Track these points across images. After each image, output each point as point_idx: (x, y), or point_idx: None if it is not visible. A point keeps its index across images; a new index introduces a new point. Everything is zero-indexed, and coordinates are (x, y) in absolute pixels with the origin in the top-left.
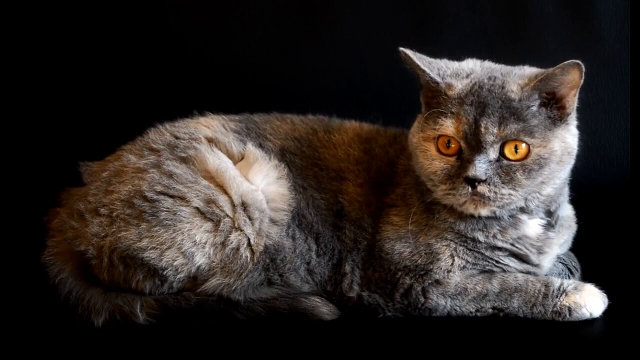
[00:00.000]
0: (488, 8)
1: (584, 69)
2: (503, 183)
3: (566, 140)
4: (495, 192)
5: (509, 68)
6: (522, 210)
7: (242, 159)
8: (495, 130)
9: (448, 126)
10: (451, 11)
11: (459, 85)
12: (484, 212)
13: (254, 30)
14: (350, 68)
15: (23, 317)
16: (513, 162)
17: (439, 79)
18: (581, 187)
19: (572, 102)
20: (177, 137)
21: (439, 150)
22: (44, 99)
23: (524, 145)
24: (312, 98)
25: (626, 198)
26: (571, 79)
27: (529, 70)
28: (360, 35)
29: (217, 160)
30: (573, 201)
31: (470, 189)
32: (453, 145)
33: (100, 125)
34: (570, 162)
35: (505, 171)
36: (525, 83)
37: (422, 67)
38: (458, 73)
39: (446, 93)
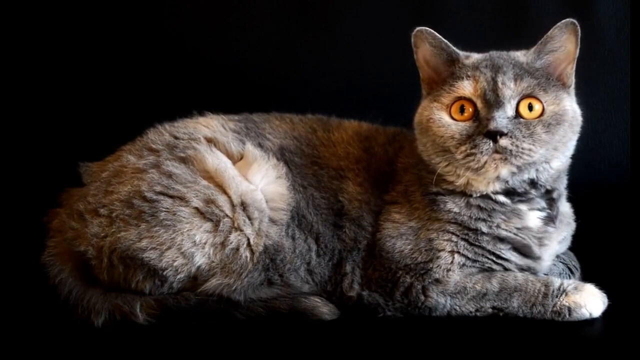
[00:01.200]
0: (488, 8)
1: (579, 30)
2: (524, 137)
3: (573, 106)
4: (517, 146)
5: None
6: (531, 186)
7: (242, 158)
8: (512, 85)
9: (465, 86)
10: (451, 11)
11: (475, 55)
12: (504, 171)
13: (254, 30)
14: (350, 68)
15: (23, 317)
16: (530, 120)
17: (459, 51)
18: (581, 187)
19: (571, 75)
20: (176, 137)
21: (452, 117)
22: (44, 99)
23: (537, 105)
24: (312, 98)
25: (626, 198)
26: (569, 39)
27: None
28: (360, 35)
29: (216, 160)
30: (573, 201)
31: (492, 144)
32: (467, 110)
33: (100, 125)
34: (576, 133)
35: (525, 126)
36: (527, 50)
37: (445, 41)
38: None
39: (462, 62)
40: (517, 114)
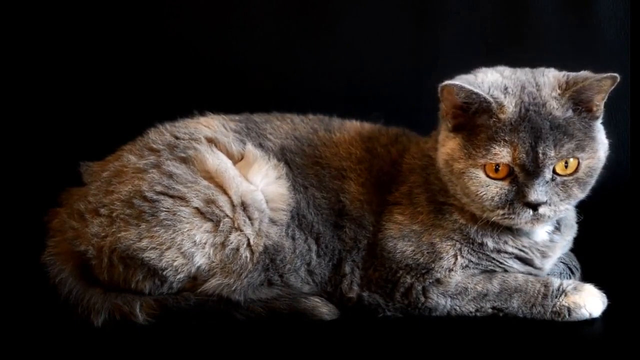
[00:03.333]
0: (488, 8)
1: (618, 80)
2: (561, 200)
3: (604, 142)
4: (555, 211)
5: (534, 76)
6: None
7: (242, 159)
8: (552, 154)
9: (504, 155)
10: (451, 11)
11: (510, 107)
12: (538, 228)
13: (254, 30)
14: (351, 68)
15: (23, 317)
16: (566, 178)
17: (491, 99)
18: None
19: (601, 106)
20: (177, 137)
21: (487, 175)
22: (44, 99)
23: (573, 160)
24: (313, 98)
25: (626, 198)
26: (605, 89)
27: (553, 76)
28: (360, 35)
29: (216, 160)
30: None
31: (531, 212)
32: (503, 169)
33: (100, 125)
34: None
35: (562, 188)
36: (560, 94)
37: (476, 90)
38: (495, 86)
39: (497, 116)
40: (554, 172)
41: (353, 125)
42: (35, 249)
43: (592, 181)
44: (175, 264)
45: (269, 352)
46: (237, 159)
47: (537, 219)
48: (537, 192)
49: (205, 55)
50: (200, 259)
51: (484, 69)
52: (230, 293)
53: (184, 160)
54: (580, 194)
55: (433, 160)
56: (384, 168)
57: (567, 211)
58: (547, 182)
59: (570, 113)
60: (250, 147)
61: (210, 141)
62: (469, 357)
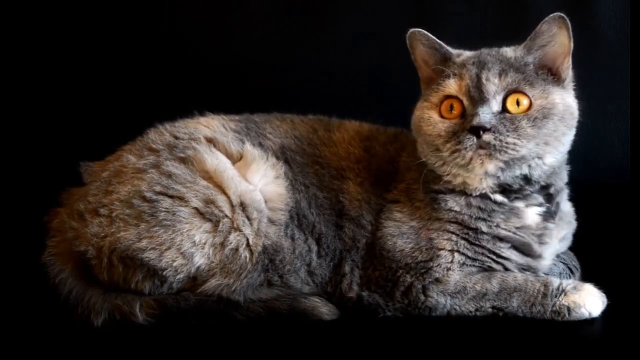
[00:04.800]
0: (488, 7)
1: (569, 23)
2: (507, 132)
3: (566, 100)
4: (500, 140)
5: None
6: (525, 182)
7: (241, 158)
8: (496, 80)
9: (451, 85)
10: (451, 11)
11: (466, 53)
12: (491, 167)
13: (255, 30)
14: (350, 68)
15: (23, 317)
16: (516, 114)
17: (452, 50)
18: (581, 187)
19: (567, 69)
20: (176, 138)
21: (442, 116)
22: (44, 99)
23: (525, 100)
24: (312, 98)
25: (626, 198)
26: (560, 37)
27: None
28: (360, 36)
29: (215, 160)
30: (573, 200)
31: (475, 140)
32: (456, 108)
33: (100, 125)
34: (571, 127)
35: (510, 121)
36: (516, 45)
37: (438, 42)
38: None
39: (453, 60)
40: (505, 109)
41: (352, 125)
42: (35, 249)
43: (547, 126)
44: (174, 264)
45: (269, 352)
46: (236, 159)
47: (484, 149)
48: (480, 117)
49: (205, 55)
50: (199, 259)
51: None
52: (230, 293)
53: (183, 161)
54: (530, 131)
55: None
56: (383, 166)
57: (518, 148)
58: (493, 112)
59: (527, 62)
60: (248, 147)
61: (210, 141)
62: (469, 357)
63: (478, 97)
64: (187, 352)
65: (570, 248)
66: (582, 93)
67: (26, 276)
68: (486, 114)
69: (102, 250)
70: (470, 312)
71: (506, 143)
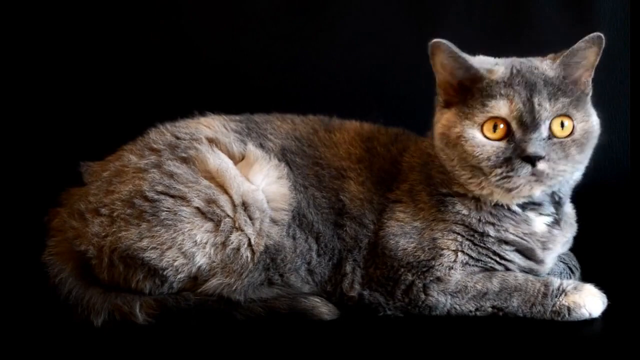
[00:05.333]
0: (488, 7)
1: (604, 42)
2: (559, 159)
3: (596, 118)
4: (554, 168)
5: (515, 58)
6: (552, 196)
7: (243, 159)
8: (548, 106)
9: (501, 107)
10: (451, 10)
11: (500, 69)
12: (538, 192)
13: (255, 30)
14: (351, 69)
15: (23, 317)
16: (563, 139)
17: (477, 66)
18: (581, 186)
19: (589, 83)
20: (178, 138)
21: (485, 136)
22: (44, 99)
23: (567, 122)
24: (313, 98)
25: (626, 198)
26: (594, 52)
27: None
28: (361, 36)
29: (217, 160)
30: (573, 201)
31: (530, 168)
32: (501, 129)
33: (100, 125)
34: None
35: (560, 147)
36: (553, 59)
37: (464, 56)
38: (483, 62)
39: (489, 78)
40: (550, 133)
41: (353, 126)
42: (35, 249)
43: (590, 146)
44: (175, 263)
45: (269, 352)
46: (238, 159)
47: (537, 176)
48: (536, 145)
49: (205, 55)
50: (200, 259)
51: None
52: (231, 293)
53: (185, 160)
54: (578, 157)
55: (432, 157)
56: (384, 167)
57: (567, 174)
58: (544, 138)
59: (565, 80)
60: (251, 147)
61: (211, 141)
62: (469, 357)
63: (530, 122)
64: (187, 352)
65: (571, 248)
66: None
67: (26, 276)
68: (540, 141)
69: (103, 249)
70: (470, 311)
71: (559, 170)
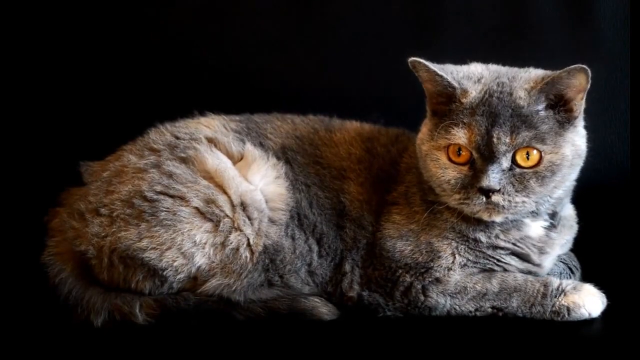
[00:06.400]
0: (488, 9)
1: (590, 74)
2: (517, 192)
3: (576, 144)
4: (509, 201)
5: (514, 71)
6: (532, 213)
7: (242, 158)
8: (507, 140)
9: (460, 136)
10: (451, 11)
11: (473, 93)
12: (498, 219)
13: (254, 30)
14: (351, 69)
15: (23, 317)
16: (526, 170)
17: (455, 84)
18: (581, 187)
19: (580, 106)
20: (177, 137)
21: (449, 159)
22: (44, 99)
23: (535, 152)
24: (313, 98)
25: (626, 198)
26: (577, 83)
27: (534, 73)
28: (360, 36)
29: (216, 160)
30: (573, 201)
31: (484, 199)
32: (464, 153)
33: (100, 125)
34: (580, 164)
35: (519, 179)
36: (531, 87)
37: (439, 72)
38: (469, 77)
39: (460, 100)
40: (514, 163)
41: (353, 126)
42: (35, 249)
43: (556, 179)
44: (175, 264)
45: (269, 352)
46: (236, 159)
47: (492, 207)
48: (490, 179)
49: (205, 55)
50: (200, 259)
51: (479, 64)
52: (231, 293)
53: (184, 160)
54: (539, 189)
55: None
56: (384, 167)
57: (526, 205)
58: (503, 170)
59: (540, 107)
60: (249, 147)
61: (210, 141)
62: (469, 357)
63: (488, 155)
64: (187, 352)
65: (571, 249)
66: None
67: (26, 276)
68: (496, 174)
69: (103, 250)
70: (470, 312)
71: (515, 203)
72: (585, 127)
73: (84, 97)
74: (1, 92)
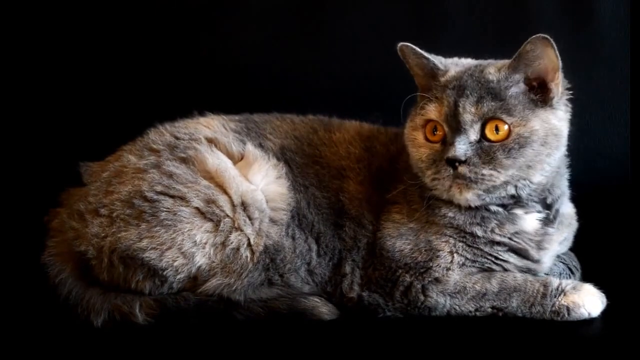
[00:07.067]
0: (488, 8)
1: (552, 42)
2: (483, 163)
3: (550, 122)
4: (476, 172)
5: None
6: (515, 200)
7: (242, 159)
8: (472, 109)
9: (432, 110)
10: (451, 11)
11: (452, 72)
12: (470, 195)
13: (254, 30)
14: (351, 69)
15: (23, 317)
16: (494, 143)
17: (440, 65)
18: (581, 187)
19: (556, 86)
20: (177, 138)
21: (426, 138)
22: (44, 99)
23: (505, 126)
24: (312, 98)
25: (626, 198)
26: (544, 55)
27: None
28: (360, 35)
29: (216, 160)
30: (573, 201)
31: (451, 171)
32: (439, 132)
33: (100, 125)
34: (558, 147)
35: (486, 152)
36: (502, 64)
37: (426, 55)
38: (457, 63)
39: (439, 79)
40: (484, 136)
41: (352, 125)
42: (35, 249)
43: (526, 153)
44: (175, 264)
45: (269, 352)
46: (237, 159)
47: (460, 181)
48: (455, 149)
49: (206, 55)
50: (200, 259)
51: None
52: (231, 293)
53: (184, 161)
54: (506, 162)
55: None
56: (384, 166)
57: (494, 179)
58: (470, 142)
59: (512, 84)
60: (250, 147)
61: (210, 141)
62: (469, 357)
63: (455, 126)
64: (187, 352)
65: (571, 248)
66: (583, 93)
67: (26, 276)
68: (462, 145)
69: (103, 250)
70: (470, 312)
71: (482, 175)
72: (586, 128)
73: (84, 97)
74: (1, 92)
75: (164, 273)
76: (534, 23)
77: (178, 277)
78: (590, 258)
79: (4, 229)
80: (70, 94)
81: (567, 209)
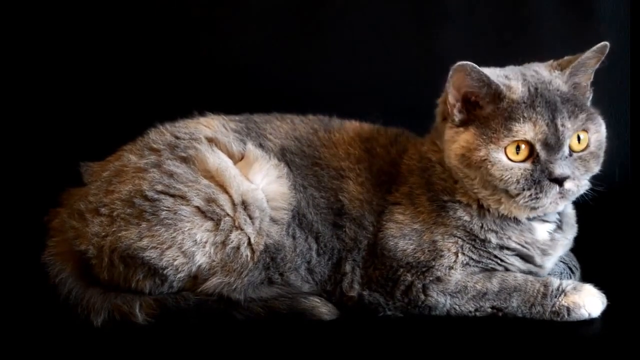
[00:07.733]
0: (488, 8)
1: (607, 50)
2: (582, 175)
3: (604, 126)
4: (578, 185)
5: (524, 66)
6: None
7: (242, 158)
8: (569, 125)
9: (527, 131)
10: (451, 10)
11: (519, 87)
12: (562, 207)
13: (255, 30)
14: (351, 69)
15: (23, 317)
16: (581, 153)
17: (499, 82)
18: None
19: (589, 87)
20: (177, 137)
21: (509, 159)
22: (44, 99)
23: (584, 134)
24: (312, 98)
25: (626, 198)
26: (595, 62)
27: (540, 64)
28: (360, 35)
29: (217, 159)
30: (573, 201)
31: (558, 188)
32: (523, 150)
33: (100, 125)
34: None
35: (581, 163)
36: (561, 72)
37: (487, 73)
38: (496, 75)
39: (510, 97)
40: (569, 149)
41: (352, 126)
42: (35, 249)
43: (602, 156)
44: (175, 263)
45: (269, 352)
46: (237, 159)
47: (563, 195)
48: (562, 166)
49: (205, 55)
50: (200, 258)
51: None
52: (231, 292)
53: (185, 160)
54: (596, 168)
55: (433, 163)
56: (384, 168)
57: (585, 186)
58: (566, 157)
59: (576, 91)
60: (250, 147)
61: (211, 141)
62: (469, 357)
63: (555, 143)
64: (187, 352)
65: (571, 249)
66: None
67: (26, 276)
68: (564, 161)
69: (103, 249)
70: (470, 311)
71: (582, 185)
72: None
73: (84, 97)
74: (1, 92)
75: (164, 272)
76: (534, 23)
77: (178, 276)
78: (590, 258)
79: (4, 229)
80: (71, 94)
81: (569, 209)
